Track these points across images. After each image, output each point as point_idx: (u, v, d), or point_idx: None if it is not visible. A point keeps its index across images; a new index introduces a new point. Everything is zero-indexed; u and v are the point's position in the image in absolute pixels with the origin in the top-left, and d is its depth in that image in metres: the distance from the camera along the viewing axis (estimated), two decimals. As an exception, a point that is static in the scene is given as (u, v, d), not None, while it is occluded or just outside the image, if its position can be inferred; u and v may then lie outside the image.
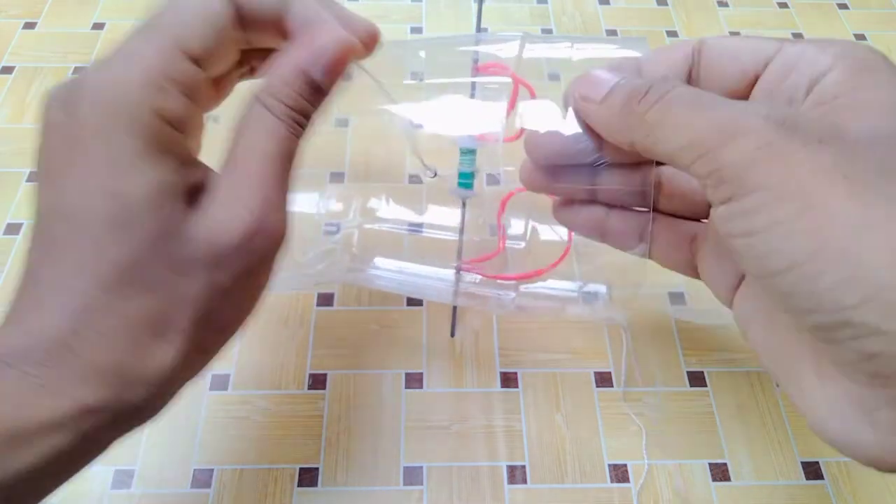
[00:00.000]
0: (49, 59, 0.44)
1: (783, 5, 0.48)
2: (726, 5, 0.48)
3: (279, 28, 0.21)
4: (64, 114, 0.18)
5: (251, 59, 0.23)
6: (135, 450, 0.29)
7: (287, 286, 0.35)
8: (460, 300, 0.31)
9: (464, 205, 0.29)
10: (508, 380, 0.32)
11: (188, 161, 0.19)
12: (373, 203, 0.35)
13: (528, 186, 0.26)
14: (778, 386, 0.22)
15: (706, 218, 0.25)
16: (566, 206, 0.27)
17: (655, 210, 0.25)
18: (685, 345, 0.33)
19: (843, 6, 0.48)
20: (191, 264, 0.18)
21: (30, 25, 0.46)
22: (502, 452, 0.30)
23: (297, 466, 0.29)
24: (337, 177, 0.39)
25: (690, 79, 0.22)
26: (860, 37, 0.46)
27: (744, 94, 0.21)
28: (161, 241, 0.18)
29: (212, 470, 0.29)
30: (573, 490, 0.29)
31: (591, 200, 0.26)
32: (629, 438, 0.30)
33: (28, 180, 0.38)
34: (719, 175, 0.17)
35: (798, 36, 0.43)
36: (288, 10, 0.21)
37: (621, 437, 0.30)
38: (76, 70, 0.44)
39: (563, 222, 0.27)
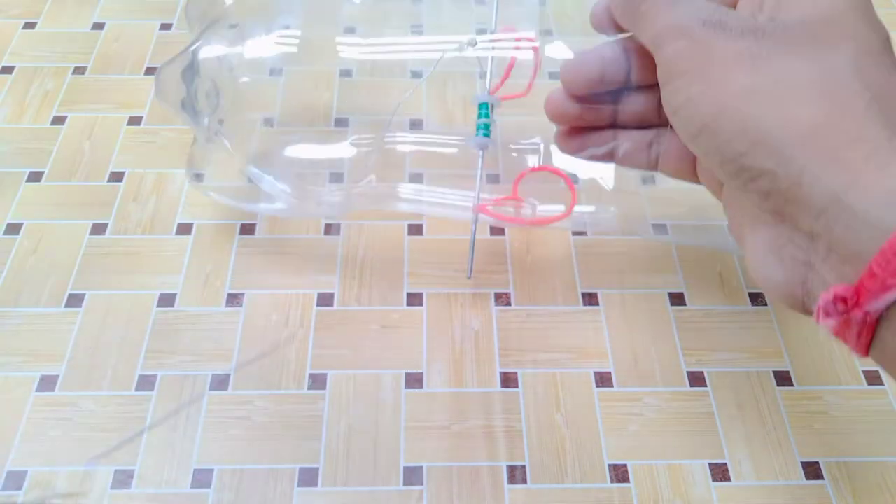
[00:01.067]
0: (49, 59, 0.44)
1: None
2: (726, 5, 0.48)
3: None
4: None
5: None
6: (135, 450, 0.30)
7: (302, 212, 0.37)
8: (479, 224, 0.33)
9: (482, 155, 0.32)
10: (508, 380, 0.32)
11: None
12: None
13: (558, 116, 0.28)
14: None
15: None
16: (573, 135, 0.28)
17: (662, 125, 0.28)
18: (685, 345, 0.33)
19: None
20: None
21: (30, 25, 0.46)
22: (502, 452, 0.30)
23: (297, 466, 0.29)
24: (337, 177, 0.39)
25: None
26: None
27: None
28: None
29: (212, 470, 0.29)
30: (573, 490, 0.29)
31: (603, 126, 0.28)
32: (629, 438, 0.30)
33: (28, 180, 0.38)
34: (660, 63, 0.22)
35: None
36: None
37: (621, 437, 0.30)
38: (76, 70, 0.44)
39: (569, 149, 0.28)
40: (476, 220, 0.32)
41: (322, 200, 0.35)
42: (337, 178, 0.39)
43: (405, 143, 0.38)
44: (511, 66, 0.33)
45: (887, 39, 0.20)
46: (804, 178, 0.18)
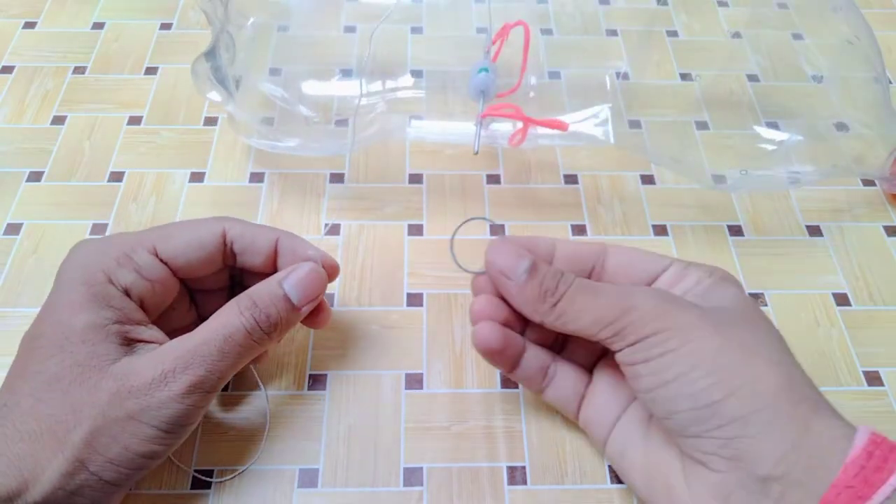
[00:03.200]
0: (49, 59, 0.44)
1: (783, 5, 0.48)
2: (726, 5, 0.48)
3: (262, 261, 0.29)
4: (60, 270, 0.26)
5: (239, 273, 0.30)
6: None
7: (323, 150, 0.38)
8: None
9: (482, 100, 0.34)
10: (508, 380, 0.32)
11: (127, 319, 0.25)
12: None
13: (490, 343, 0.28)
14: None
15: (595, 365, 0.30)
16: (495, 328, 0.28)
17: (562, 354, 0.30)
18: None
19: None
20: (99, 388, 0.23)
21: (30, 25, 0.46)
22: (502, 453, 0.30)
23: (297, 467, 0.29)
24: (337, 177, 0.39)
25: (592, 274, 0.28)
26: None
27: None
28: (83, 366, 0.24)
29: (212, 470, 0.29)
30: (573, 491, 0.29)
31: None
32: (629, 439, 0.30)
33: (28, 180, 0.38)
34: (622, 333, 0.24)
35: (798, 37, 0.43)
36: (276, 245, 0.29)
37: (621, 438, 0.30)
38: (76, 70, 0.44)
39: (485, 340, 0.28)
40: (479, 124, 0.33)
41: (332, 118, 0.37)
42: (337, 178, 0.39)
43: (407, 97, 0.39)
44: (506, 30, 0.35)
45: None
46: (774, 425, 0.22)
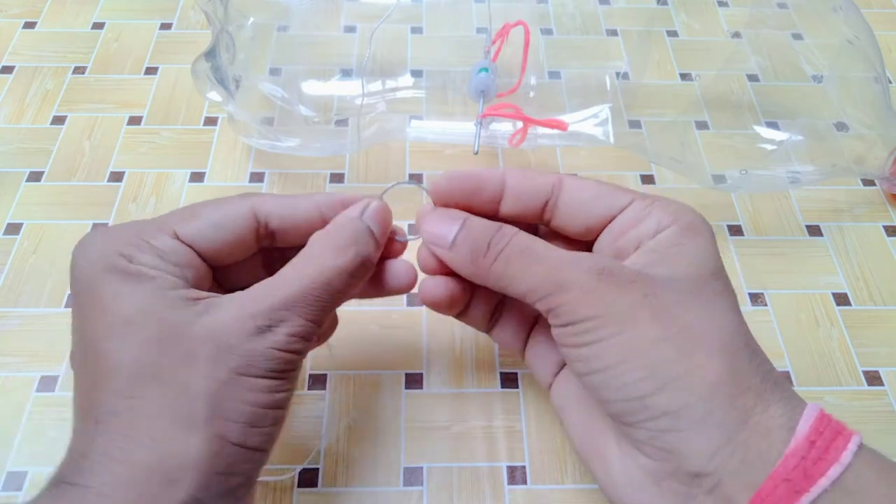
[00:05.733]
0: (49, 59, 0.44)
1: (783, 5, 0.48)
2: (726, 5, 0.48)
3: (307, 231, 0.25)
4: (70, 279, 0.23)
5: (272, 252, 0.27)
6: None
7: (315, 146, 0.38)
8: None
9: (482, 100, 0.34)
10: (508, 380, 0.32)
11: (173, 283, 0.22)
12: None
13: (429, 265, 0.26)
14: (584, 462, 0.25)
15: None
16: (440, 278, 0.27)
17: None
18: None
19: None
20: (193, 356, 0.21)
21: (30, 25, 0.46)
22: (502, 453, 0.30)
23: (297, 468, 0.29)
24: (337, 177, 0.39)
25: (545, 210, 0.25)
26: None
27: (593, 236, 0.25)
28: (161, 340, 0.21)
29: (212, 470, 0.29)
30: (573, 490, 0.29)
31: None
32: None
33: (28, 180, 0.38)
34: (555, 311, 0.22)
35: (798, 37, 0.43)
36: (320, 209, 0.25)
37: (621, 438, 0.30)
38: (76, 70, 0.44)
39: (434, 292, 0.26)
40: (479, 124, 0.33)
41: (331, 118, 0.37)
42: (337, 178, 0.39)
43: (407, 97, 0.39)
44: (506, 30, 0.35)
45: (737, 299, 0.24)
46: (708, 420, 0.20)
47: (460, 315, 0.28)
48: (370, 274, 0.25)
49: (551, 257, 0.23)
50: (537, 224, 0.27)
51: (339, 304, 0.24)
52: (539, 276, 0.23)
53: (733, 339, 0.22)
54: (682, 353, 0.21)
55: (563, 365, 0.26)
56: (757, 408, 0.21)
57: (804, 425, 0.20)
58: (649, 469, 0.22)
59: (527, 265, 0.23)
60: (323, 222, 0.25)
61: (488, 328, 0.28)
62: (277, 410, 0.22)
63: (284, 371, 0.22)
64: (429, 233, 0.25)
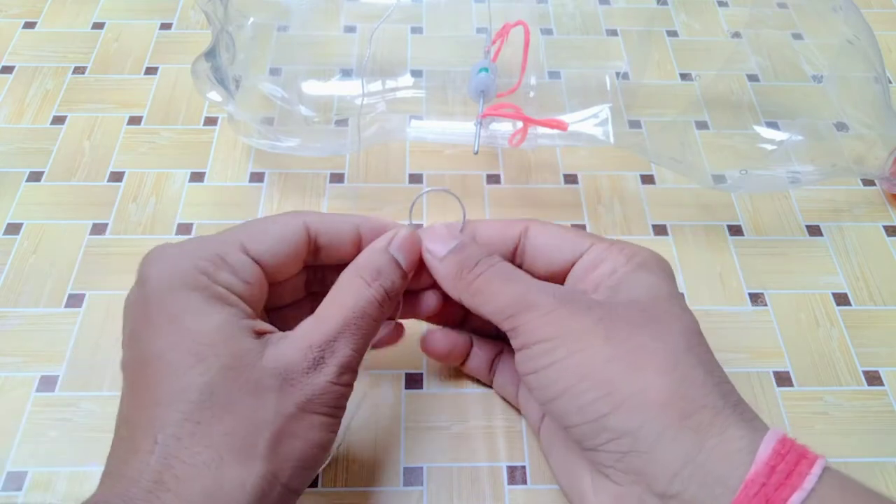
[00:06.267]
0: (49, 59, 0.44)
1: (783, 5, 0.48)
2: (726, 5, 0.48)
3: (347, 251, 0.27)
4: (137, 288, 0.23)
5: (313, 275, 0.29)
6: (135, 450, 0.29)
7: (315, 147, 0.38)
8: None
9: (482, 100, 0.34)
10: (508, 380, 0.32)
11: (246, 314, 0.23)
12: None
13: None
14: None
15: None
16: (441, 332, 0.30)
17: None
18: (685, 345, 0.33)
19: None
20: (262, 388, 0.21)
21: (30, 25, 0.46)
22: (502, 453, 0.30)
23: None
24: (337, 177, 0.39)
25: (515, 255, 0.28)
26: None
27: (560, 279, 0.27)
28: (234, 368, 0.21)
29: (212, 470, 0.29)
30: (573, 490, 0.29)
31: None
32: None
33: (28, 180, 0.38)
34: (517, 331, 0.24)
35: (798, 37, 0.43)
36: (358, 230, 0.27)
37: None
38: (76, 70, 0.44)
39: (435, 346, 0.30)
40: (479, 124, 0.33)
41: (332, 118, 0.37)
42: (337, 178, 0.39)
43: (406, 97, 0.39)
44: (506, 30, 0.35)
45: (697, 322, 0.24)
46: (663, 439, 0.21)
47: (462, 366, 0.30)
48: (398, 299, 0.26)
49: (525, 281, 0.25)
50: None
51: (376, 332, 0.25)
52: (509, 296, 0.24)
53: (685, 358, 0.22)
54: (632, 371, 0.22)
55: (543, 413, 0.28)
56: (713, 429, 0.21)
57: (765, 449, 0.20)
58: (619, 497, 0.22)
59: (502, 286, 0.25)
60: (360, 244, 0.27)
61: (489, 379, 0.31)
62: (322, 452, 0.23)
63: (337, 407, 0.23)
64: (427, 247, 0.27)
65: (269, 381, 0.21)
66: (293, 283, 0.28)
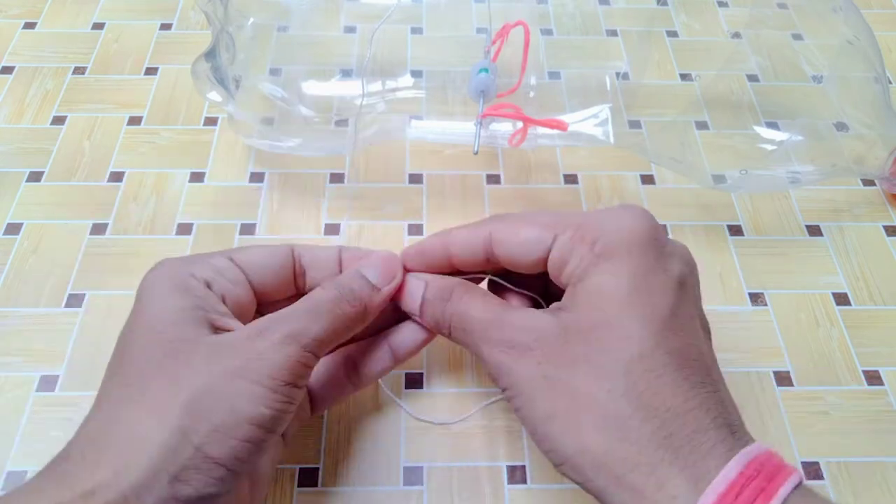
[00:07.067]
0: (49, 59, 0.44)
1: (783, 5, 0.48)
2: (726, 5, 0.48)
3: (335, 268, 0.28)
4: (141, 282, 0.25)
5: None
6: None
7: (315, 146, 0.38)
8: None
9: (482, 100, 0.34)
10: (508, 380, 0.32)
11: (212, 308, 0.24)
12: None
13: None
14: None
15: None
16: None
17: None
18: (685, 345, 0.33)
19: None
20: (194, 354, 0.23)
21: (30, 25, 0.46)
22: (502, 452, 0.30)
23: (298, 467, 0.29)
24: (337, 177, 0.39)
25: (489, 262, 0.27)
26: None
27: (543, 263, 0.25)
28: (176, 340, 0.23)
29: (212, 470, 0.29)
30: (573, 490, 0.29)
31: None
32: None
33: (28, 180, 0.38)
34: (494, 376, 0.25)
35: (798, 37, 0.43)
36: (340, 254, 0.28)
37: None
38: (76, 70, 0.44)
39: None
40: (479, 124, 0.33)
41: (332, 118, 0.37)
42: (337, 178, 0.39)
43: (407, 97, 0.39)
44: (506, 30, 0.35)
45: (661, 332, 0.22)
46: (606, 496, 0.21)
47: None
48: (364, 312, 0.26)
49: (475, 332, 0.25)
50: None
51: (341, 332, 0.25)
52: (471, 346, 0.26)
53: (619, 407, 0.21)
54: (569, 431, 0.22)
55: None
56: (648, 488, 0.20)
57: (706, 501, 0.19)
58: None
59: (463, 338, 0.26)
60: (340, 268, 0.28)
61: None
62: (255, 428, 0.22)
63: (278, 381, 0.22)
64: (403, 304, 0.28)
65: (203, 349, 0.23)
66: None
